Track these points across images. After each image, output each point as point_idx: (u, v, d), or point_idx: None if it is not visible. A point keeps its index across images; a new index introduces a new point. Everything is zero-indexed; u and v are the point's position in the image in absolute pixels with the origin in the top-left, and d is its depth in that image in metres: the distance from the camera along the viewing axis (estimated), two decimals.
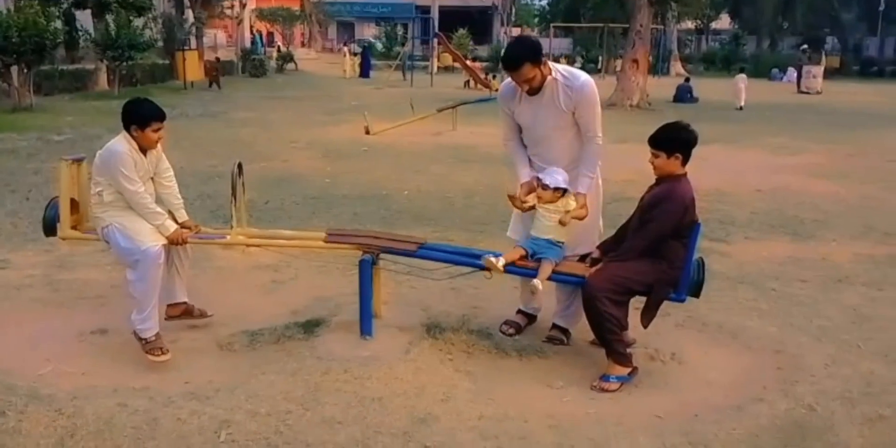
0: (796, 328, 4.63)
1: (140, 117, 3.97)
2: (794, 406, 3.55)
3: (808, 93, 29.87)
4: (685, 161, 3.86)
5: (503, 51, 4.15)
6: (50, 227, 4.29)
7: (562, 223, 4.05)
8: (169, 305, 4.32)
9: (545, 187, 4.06)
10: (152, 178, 4.19)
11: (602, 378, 3.87)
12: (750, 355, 4.27)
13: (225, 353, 4.16)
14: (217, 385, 3.67)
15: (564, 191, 4.07)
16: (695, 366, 4.13)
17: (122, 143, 3.97)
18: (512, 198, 4.23)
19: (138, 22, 21.88)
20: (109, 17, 20.78)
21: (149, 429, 3.21)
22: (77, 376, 3.81)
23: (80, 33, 22.69)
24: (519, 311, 4.58)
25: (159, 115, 4.02)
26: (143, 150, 4.06)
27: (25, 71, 16.53)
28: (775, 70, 40.60)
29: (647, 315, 3.93)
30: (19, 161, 10.08)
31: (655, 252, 3.83)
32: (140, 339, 3.99)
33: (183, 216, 4.26)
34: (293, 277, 5.42)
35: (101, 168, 4.00)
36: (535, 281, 3.94)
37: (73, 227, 4.30)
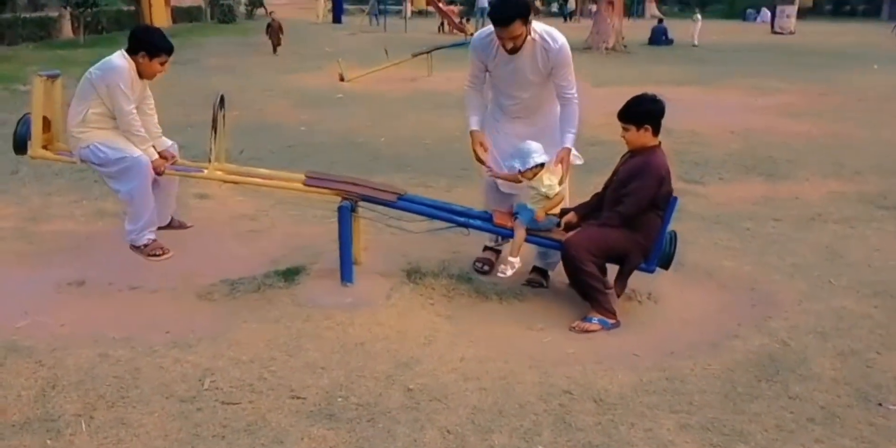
0: (770, 266, 4.71)
1: (152, 46, 3.88)
2: (768, 341, 3.63)
3: (781, 33, 29.81)
4: (655, 132, 3.90)
5: (491, 6, 4.09)
6: (20, 145, 4.17)
7: (547, 213, 4.10)
8: None
9: (522, 172, 4.07)
10: (137, 107, 4.10)
11: (584, 318, 3.93)
12: (725, 293, 4.35)
13: (205, 303, 4.14)
14: (199, 334, 3.67)
15: (542, 165, 4.08)
16: (671, 305, 4.21)
17: (122, 60, 3.86)
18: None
19: None
20: None
21: (131, 378, 3.21)
22: (56, 327, 3.79)
23: None
24: (487, 248, 4.69)
25: (169, 49, 3.94)
26: (139, 76, 3.96)
27: None
28: (750, 10, 40.31)
29: (620, 284, 4.06)
30: None
31: (632, 223, 3.90)
32: (137, 247, 3.96)
33: (162, 144, 4.20)
34: (271, 226, 5.39)
35: (95, 82, 3.87)
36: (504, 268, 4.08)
37: (44, 147, 4.18)
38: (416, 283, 4.21)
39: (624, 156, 4.07)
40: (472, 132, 4.34)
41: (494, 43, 4.11)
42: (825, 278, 4.48)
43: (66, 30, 21.57)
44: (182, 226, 4.41)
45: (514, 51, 4.06)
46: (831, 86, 13.85)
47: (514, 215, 4.17)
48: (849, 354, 3.52)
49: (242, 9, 36.12)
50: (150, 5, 23.98)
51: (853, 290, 4.30)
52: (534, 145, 4.07)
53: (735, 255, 4.91)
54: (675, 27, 25.64)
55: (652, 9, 42.14)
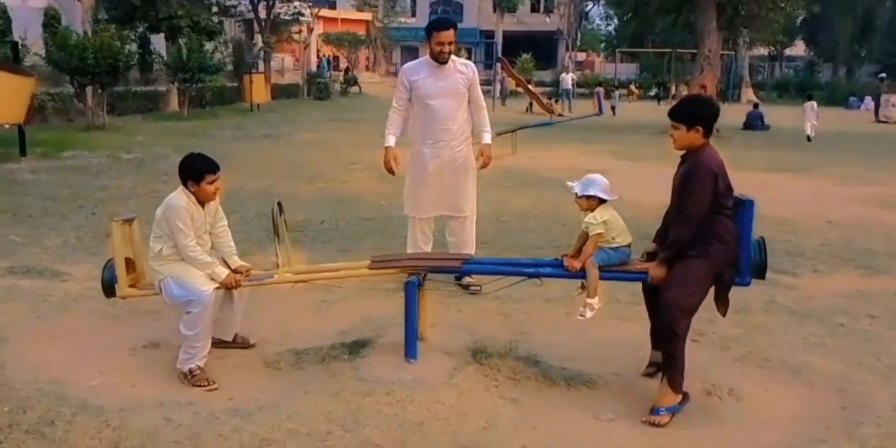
0: (863, 366, 4.39)
1: (194, 172, 4.04)
2: None
3: (886, 122, 28.93)
4: (706, 133, 3.77)
5: (434, 18, 5.49)
6: (109, 289, 4.31)
7: (617, 247, 3.98)
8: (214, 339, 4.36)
9: (578, 197, 4.03)
10: (210, 232, 4.23)
11: (652, 411, 3.72)
12: (813, 393, 4.06)
13: (270, 372, 4.16)
14: (260, 402, 3.66)
15: (601, 200, 3.99)
16: (753, 403, 3.94)
17: (180, 198, 4.05)
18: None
19: (209, 46, 22.64)
20: (182, 41, 21.52)
21: (190, 444, 3.21)
22: (126, 389, 3.86)
23: (154, 56, 23.60)
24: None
25: (212, 168, 4.07)
26: (202, 203, 4.12)
27: (100, 91, 17.22)
28: (853, 98, 39.50)
29: (722, 303, 3.84)
30: (88, 177, 10.41)
31: (703, 231, 3.67)
32: (183, 373, 4.00)
33: (236, 262, 4.30)
34: (342, 298, 5.41)
35: (160, 221, 4.08)
36: (584, 310, 3.93)
37: (132, 286, 4.33)
38: (481, 363, 4.10)
39: (679, 165, 3.89)
40: (387, 148, 5.36)
41: (425, 64, 5.31)
42: None
43: (173, 103, 22.93)
44: (245, 343, 4.46)
45: (444, 60, 5.18)
46: None
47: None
48: None
49: (337, 87, 37.66)
50: (252, 82, 25.19)
51: None
52: (599, 178, 4.02)
53: (826, 353, 4.61)
54: (772, 113, 25.30)
55: (748, 94, 41.68)
